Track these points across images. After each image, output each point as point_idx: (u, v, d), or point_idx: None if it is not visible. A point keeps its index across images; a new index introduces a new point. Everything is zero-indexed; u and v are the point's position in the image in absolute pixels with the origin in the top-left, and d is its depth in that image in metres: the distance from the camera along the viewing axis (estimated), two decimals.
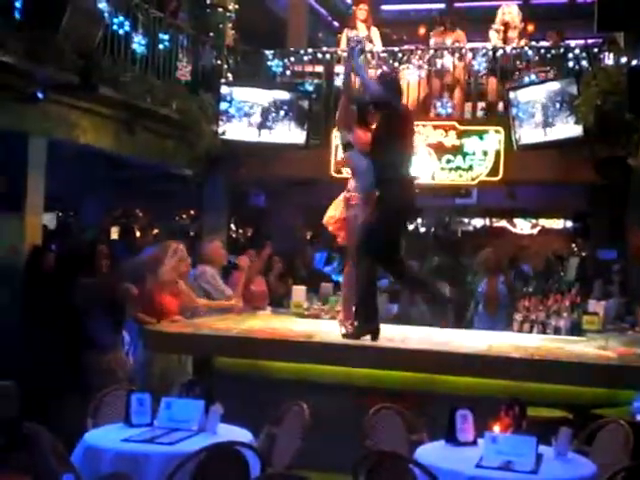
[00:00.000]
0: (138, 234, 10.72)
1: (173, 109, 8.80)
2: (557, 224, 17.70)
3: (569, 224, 15.98)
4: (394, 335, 5.90)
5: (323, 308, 7.22)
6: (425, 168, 9.28)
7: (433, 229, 13.73)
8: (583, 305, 7.12)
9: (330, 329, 6.02)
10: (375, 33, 10.43)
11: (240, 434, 4.12)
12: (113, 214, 11.77)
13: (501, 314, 7.69)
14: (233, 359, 5.70)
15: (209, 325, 6.11)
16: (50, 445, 3.74)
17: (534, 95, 8.92)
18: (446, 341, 5.74)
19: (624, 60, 8.28)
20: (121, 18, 8.05)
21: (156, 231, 11.77)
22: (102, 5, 7.60)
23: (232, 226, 13.18)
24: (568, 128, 8.54)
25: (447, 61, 9.84)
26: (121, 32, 8.08)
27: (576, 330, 6.56)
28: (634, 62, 7.73)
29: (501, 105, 9.77)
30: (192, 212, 13.26)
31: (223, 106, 9.41)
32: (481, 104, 10.18)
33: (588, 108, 8.11)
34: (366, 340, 5.66)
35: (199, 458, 3.55)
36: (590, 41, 9.45)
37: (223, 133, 9.38)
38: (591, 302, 7.15)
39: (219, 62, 9.93)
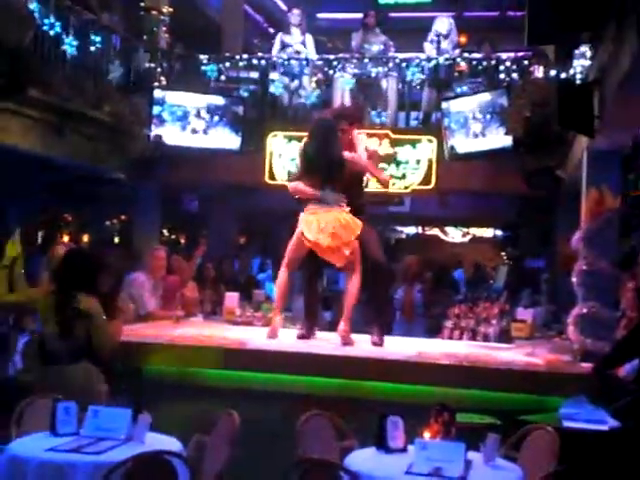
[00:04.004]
0: (67, 239, 10.51)
1: (105, 112, 8.67)
2: (487, 233, 18.04)
3: (499, 233, 16.28)
4: (327, 342, 5.91)
5: (255, 315, 7.18)
6: None
7: None
8: (512, 313, 7.25)
9: (263, 336, 5.99)
10: (309, 39, 10.48)
11: (169, 443, 4.06)
12: (40, 219, 11.50)
13: (418, 321, 7.83)
14: (163, 367, 5.62)
15: (138, 332, 6.02)
16: None
17: (466, 106, 9.08)
18: (377, 348, 5.78)
19: (553, 73, 8.48)
20: (52, 19, 7.91)
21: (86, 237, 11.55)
22: (33, 5, 7.45)
23: (165, 232, 13.04)
24: (499, 139, 8.71)
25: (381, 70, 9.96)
26: (52, 33, 7.94)
27: (505, 337, 6.67)
28: (563, 75, 7.93)
29: (435, 116, 9.93)
30: (123, 217, 13.07)
31: (156, 110, 9.31)
32: (414, 113, 10.32)
33: (517, 119, 8.28)
34: (298, 347, 5.66)
35: (126, 468, 3.48)
36: (520, 54, 9.66)
37: (156, 137, 9.27)
38: (519, 310, 7.28)
39: (152, 65, 9.82)
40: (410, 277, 8.04)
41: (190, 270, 7.81)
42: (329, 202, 5.78)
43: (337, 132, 5.94)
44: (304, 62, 10.21)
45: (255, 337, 6.05)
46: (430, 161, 9.50)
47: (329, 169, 5.81)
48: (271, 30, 14.40)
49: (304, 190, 5.87)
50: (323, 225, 5.72)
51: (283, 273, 6.05)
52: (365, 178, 6.43)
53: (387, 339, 6.08)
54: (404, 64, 9.94)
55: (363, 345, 5.87)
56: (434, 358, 5.41)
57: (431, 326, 7.69)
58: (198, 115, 9.53)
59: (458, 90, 9.75)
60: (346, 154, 5.89)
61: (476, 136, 8.98)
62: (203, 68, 10.22)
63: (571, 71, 7.59)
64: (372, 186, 9.43)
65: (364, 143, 6.39)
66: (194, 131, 9.52)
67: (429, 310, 8.03)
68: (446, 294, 8.92)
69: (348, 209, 5.84)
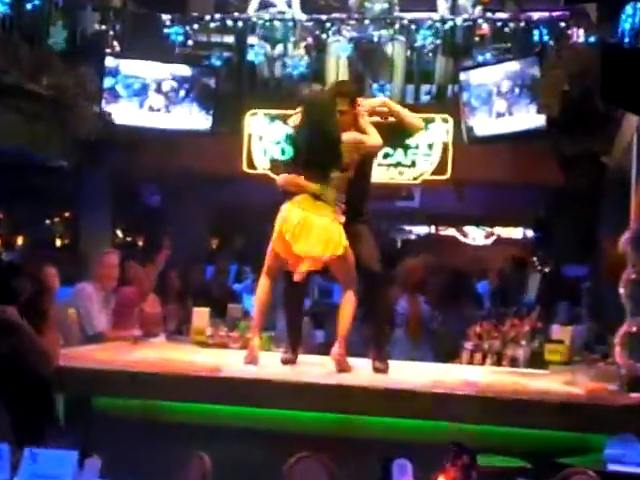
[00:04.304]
0: None
1: (44, 85, 8.66)
2: (516, 233, 18.06)
3: (530, 233, 16.29)
4: (318, 368, 5.91)
5: (231, 335, 7.19)
6: None
7: None
8: (545, 331, 7.26)
9: (240, 361, 5.99)
10: None
11: None
12: None
13: (425, 339, 7.84)
14: (118, 399, 5.61)
15: (85, 356, 6.01)
16: None
17: (489, 77, 9.10)
18: (381, 374, 5.79)
19: (596, 37, 8.50)
20: None
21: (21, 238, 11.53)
22: None
23: (118, 232, 13.03)
24: (529, 118, 8.73)
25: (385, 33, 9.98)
26: None
27: (537, 362, 6.68)
28: (608, 40, 7.95)
29: (452, 89, 9.95)
30: (66, 214, 13.06)
31: (108, 82, 9.30)
32: (426, 86, 10.33)
33: (552, 94, 8.30)
34: (283, 374, 5.66)
35: None
36: (556, 13, 9.68)
37: (108, 115, 9.26)
38: (555, 328, 7.30)
39: (103, 27, 9.81)
40: (412, 286, 8.03)
41: (149, 280, 7.81)
42: (326, 200, 5.77)
43: (334, 111, 5.93)
44: (290, 24, 10.21)
45: (230, 362, 6.05)
46: (445, 145, 9.51)
47: (327, 159, 5.79)
48: None
49: (299, 183, 5.83)
50: (310, 224, 5.69)
51: (264, 283, 6.04)
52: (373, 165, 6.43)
53: (392, 364, 6.09)
54: (413, 26, 9.96)
55: (363, 372, 5.88)
56: (450, 387, 5.42)
57: (446, 347, 7.70)
58: (159, 89, 9.53)
59: (479, 58, 9.77)
60: (348, 135, 5.87)
61: (501, 115, 8.99)
62: (166, 31, 10.21)
63: (618, 34, 7.61)
64: (374, 176, 9.52)
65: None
66: (154, 108, 9.51)
67: (433, 325, 8.06)
68: (466, 305, 8.92)
69: (343, 218, 5.80)
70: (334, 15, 10.45)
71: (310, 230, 5.68)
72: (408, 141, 9.47)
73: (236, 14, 10.69)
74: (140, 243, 14.13)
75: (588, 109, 8.06)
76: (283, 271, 6.04)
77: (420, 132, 6.72)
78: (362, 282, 5.97)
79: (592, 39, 8.79)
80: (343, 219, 5.79)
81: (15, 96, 8.42)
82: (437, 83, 10.17)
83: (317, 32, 10.17)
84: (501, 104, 8.98)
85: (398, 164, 9.59)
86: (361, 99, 6.35)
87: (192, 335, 7.19)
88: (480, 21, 9.97)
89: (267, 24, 10.23)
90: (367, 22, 10.08)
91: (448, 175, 9.55)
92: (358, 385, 5.42)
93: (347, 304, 5.89)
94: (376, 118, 6.29)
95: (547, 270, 12.76)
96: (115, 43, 9.95)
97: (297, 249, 5.67)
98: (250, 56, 10.28)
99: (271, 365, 6.00)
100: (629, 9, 7.05)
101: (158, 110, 9.54)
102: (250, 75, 10.32)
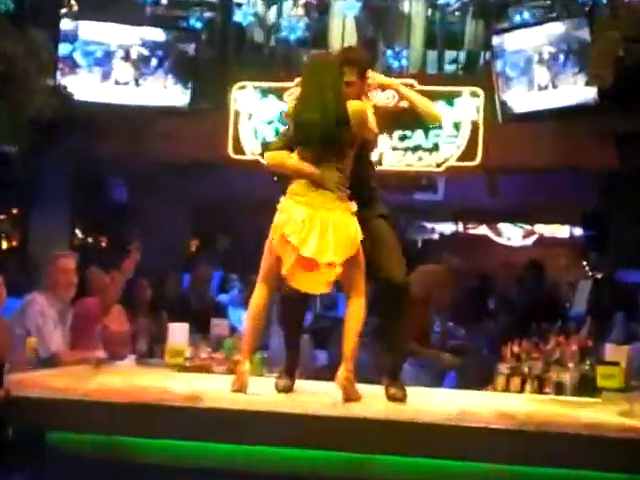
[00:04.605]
0: None
1: None
2: (561, 232, 18.05)
3: (579, 232, 16.29)
4: (321, 396, 5.92)
5: (214, 356, 7.19)
6: None
7: None
8: (597, 351, 7.26)
9: (226, 388, 6.00)
10: None
11: None
12: None
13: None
14: (76, 434, 5.62)
15: (38, 383, 6.01)
16: None
17: (528, 42, 9.11)
18: (399, 404, 5.79)
19: None
20: None
21: None
22: None
23: (77, 232, 13.04)
24: (576, 90, 8.75)
25: None
26: None
27: (587, 388, 6.68)
28: None
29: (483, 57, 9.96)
30: (15, 210, 13.07)
31: (64, 49, 9.33)
32: (451, 54, 10.34)
33: (604, 62, 8.31)
34: (279, 404, 5.66)
35: None
36: None
37: (64, 90, 9.27)
38: (609, 347, 7.30)
39: None
40: (442, 299, 8.03)
41: (115, 289, 7.81)
42: (330, 187, 5.75)
43: (341, 79, 5.93)
44: None
45: (214, 390, 6.05)
46: (474, 124, 9.53)
47: (331, 136, 5.78)
48: None
49: (295, 166, 5.81)
50: (319, 221, 5.68)
51: (260, 292, 6.02)
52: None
53: (411, 391, 6.09)
54: None
55: (375, 400, 5.88)
56: (483, 420, 5.42)
57: (476, 370, 7.71)
58: (127, 57, 9.55)
59: (516, 19, 9.78)
60: (353, 103, 5.87)
61: (543, 87, 9.01)
62: None
63: None
64: (389, 162, 9.53)
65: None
66: (121, 81, 9.53)
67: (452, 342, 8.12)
68: (500, 319, 8.94)
69: (355, 206, 5.78)
70: None
71: (323, 230, 5.66)
72: None
73: None
74: (104, 245, 14.13)
75: None
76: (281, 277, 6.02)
77: (437, 123, 6.68)
78: (380, 292, 5.95)
79: None
80: (355, 207, 5.76)
81: None
82: (465, 49, 10.18)
83: None
84: (543, 74, 9.00)
85: (417, 148, 9.61)
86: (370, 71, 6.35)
87: (167, 357, 7.18)
88: None
89: None
90: None
91: (478, 161, 9.57)
92: (369, 417, 5.43)
93: (353, 317, 5.86)
94: (387, 94, 6.27)
95: (600, 276, 12.75)
96: (72, 1, 9.96)
97: (307, 252, 5.64)
98: (237, 17, 10.29)
99: (263, 393, 6.00)
100: None
101: (126, 83, 9.57)
102: (237, 40, 10.34)
